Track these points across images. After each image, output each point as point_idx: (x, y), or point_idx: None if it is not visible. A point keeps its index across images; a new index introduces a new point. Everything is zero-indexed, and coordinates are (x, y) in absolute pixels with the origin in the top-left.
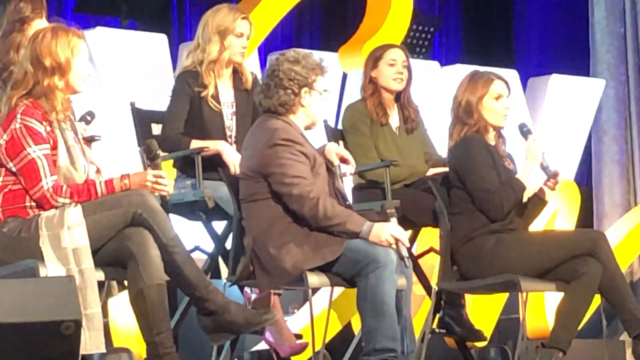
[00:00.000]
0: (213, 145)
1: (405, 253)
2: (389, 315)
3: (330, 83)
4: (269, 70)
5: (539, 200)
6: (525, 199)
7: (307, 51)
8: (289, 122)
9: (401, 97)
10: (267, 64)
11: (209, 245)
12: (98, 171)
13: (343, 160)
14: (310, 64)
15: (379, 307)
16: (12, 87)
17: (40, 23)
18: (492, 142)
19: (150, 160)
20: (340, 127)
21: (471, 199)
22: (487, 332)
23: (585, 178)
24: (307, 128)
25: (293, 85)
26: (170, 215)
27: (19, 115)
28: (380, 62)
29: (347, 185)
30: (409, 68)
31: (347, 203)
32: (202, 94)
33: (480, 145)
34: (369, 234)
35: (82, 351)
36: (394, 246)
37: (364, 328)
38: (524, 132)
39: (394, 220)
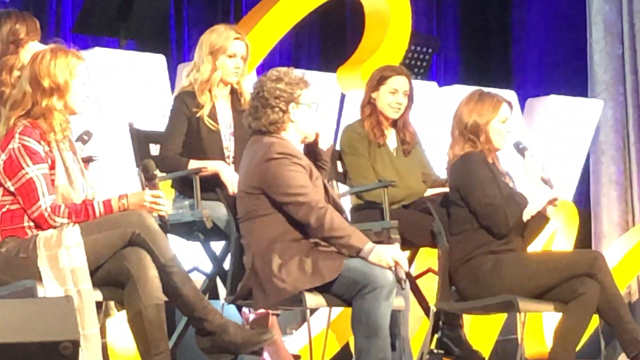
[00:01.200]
0: (211, 166)
1: (402, 276)
2: (381, 338)
3: (325, 101)
4: (254, 93)
5: (542, 217)
6: (525, 219)
7: (287, 68)
8: (282, 138)
9: (398, 122)
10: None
11: (207, 266)
12: (94, 194)
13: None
14: (292, 79)
15: (372, 328)
16: (11, 107)
17: (34, 46)
18: (491, 160)
19: (148, 180)
20: (338, 147)
21: (472, 217)
22: (486, 353)
23: (583, 198)
24: (302, 142)
25: (280, 102)
26: (169, 235)
27: (17, 135)
28: (383, 86)
29: (346, 205)
30: (410, 96)
31: (344, 215)
32: (198, 115)
33: (481, 161)
34: (369, 254)
35: None
36: (392, 268)
37: (356, 348)
38: (520, 148)
39: (397, 244)
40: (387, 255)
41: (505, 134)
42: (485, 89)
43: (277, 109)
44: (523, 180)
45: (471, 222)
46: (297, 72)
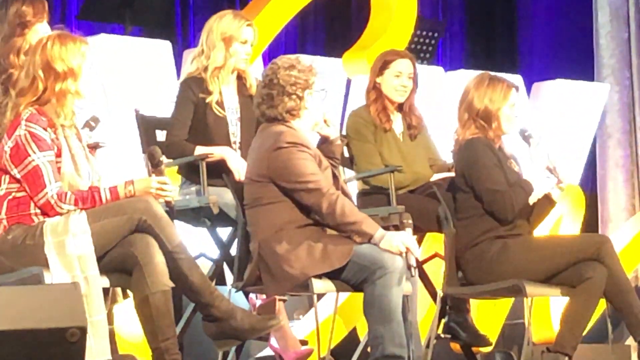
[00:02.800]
0: (218, 152)
1: (413, 262)
2: (396, 322)
3: (330, 87)
4: (267, 80)
5: (547, 201)
6: (531, 202)
7: (296, 55)
8: (292, 127)
9: (404, 106)
10: (261, 76)
11: (214, 252)
12: (99, 180)
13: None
14: (304, 67)
15: (386, 313)
16: (19, 94)
17: (41, 27)
18: (496, 144)
19: (154, 167)
20: (344, 133)
21: (478, 203)
22: (493, 337)
23: (589, 182)
24: (312, 129)
25: (297, 89)
26: (175, 221)
27: (23, 122)
28: (387, 70)
29: (352, 191)
30: (414, 79)
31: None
32: (207, 100)
33: (486, 146)
34: (380, 240)
35: (88, 358)
36: (403, 254)
37: (370, 334)
38: (526, 136)
39: (409, 230)
40: (398, 242)
41: (513, 119)
42: (492, 73)
43: (294, 96)
44: (528, 168)
45: (477, 207)
46: (305, 60)
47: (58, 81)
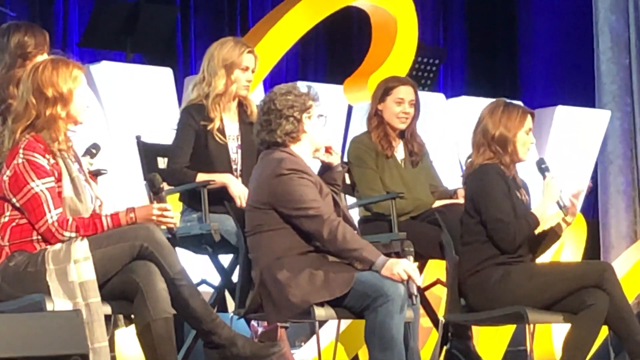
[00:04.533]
0: (219, 179)
1: (414, 291)
2: (397, 350)
3: (331, 113)
4: (265, 108)
5: (554, 234)
6: (536, 232)
7: (293, 83)
8: (292, 153)
9: (405, 133)
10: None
11: (216, 279)
12: (100, 204)
13: (327, 150)
14: (300, 92)
15: (387, 341)
16: (14, 120)
17: (41, 59)
18: (511, 172)
19: (155, 193)
20: (345, 159)
21: (483, 229)
22: None
23: (591, 209)
24: (313, 155)
25: (294, 112)
26: (177, 248)
27: (21, 151)
28: (388, 97)
29: (353, 217)
30: (416, 105)
31: (355, 231)
32: (208, 127)
33: (498, 174)
34: (382, 267)
35: None
36: (405, 282)
37: None
38: (542, 169)
39: (410, 257)
40: (399, 269)
41: (530, 145)
42: (507, 100)
43: (291, 119)
44: (539, 200)
45: (481, 233)
46: (302, 87)
47: (48, 107)
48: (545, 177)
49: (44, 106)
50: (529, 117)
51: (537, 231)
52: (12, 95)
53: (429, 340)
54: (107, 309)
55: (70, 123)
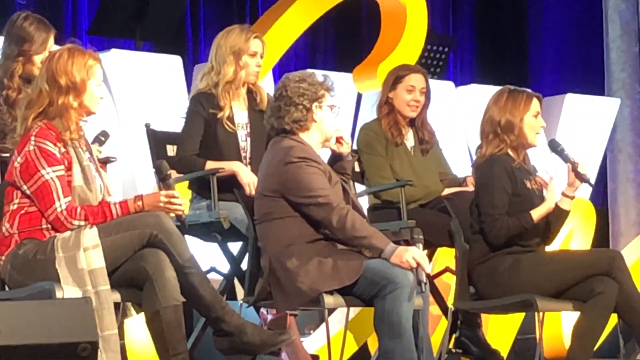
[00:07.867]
0: (228, 166)
1: (423, 278)
2: (406, 337)
3: (341, 101)
4: (277, 94)
5: (561, 212)
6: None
7: (310, 71)
8: (302, 142)
9: (416, 121)
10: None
11: (225, 267)
12: (107, 192)
13: (338, 140)
14: (315, 80)
15: (396, 328)
16: (27, 106)
17: (40, 58)
18: (520, 158)
19: (162, 181)
20: (355, 147)
21: None
22: (504, 352)
23: (600, 197)
24: (322, 144)
25: (304, 100)
26: (186, 236)
27: (32, 137)
28: (399, 85)
29: (363, 204)
30: (427, 94)
31: (365, 219)
32: (218, 116)
33: (505, 168)
34: (391, 255)
35: None
36: (414, 270)
37: (381, 349)
38: (559, 151)
39: (419, 245)
40: (408, 257)
41: (539, 129)
42: (512, 87)
43: (300, 107)
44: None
45: None
46: (319, 76)
47: (60, 95)
48: (563, 159)
49: (57, 94)
50: (534, 100)
51: (535, 215)
52: (8, 85)
53: (438, 328)
54: (117, 297)
55: (82, 113)
